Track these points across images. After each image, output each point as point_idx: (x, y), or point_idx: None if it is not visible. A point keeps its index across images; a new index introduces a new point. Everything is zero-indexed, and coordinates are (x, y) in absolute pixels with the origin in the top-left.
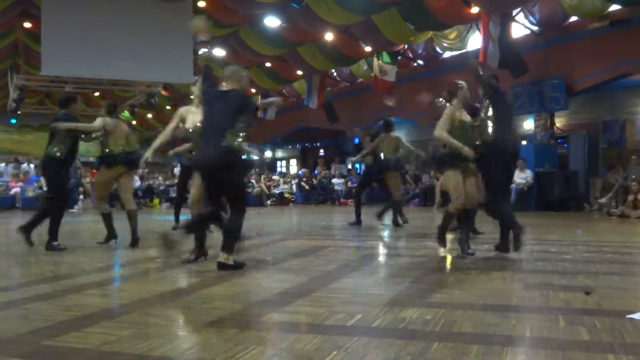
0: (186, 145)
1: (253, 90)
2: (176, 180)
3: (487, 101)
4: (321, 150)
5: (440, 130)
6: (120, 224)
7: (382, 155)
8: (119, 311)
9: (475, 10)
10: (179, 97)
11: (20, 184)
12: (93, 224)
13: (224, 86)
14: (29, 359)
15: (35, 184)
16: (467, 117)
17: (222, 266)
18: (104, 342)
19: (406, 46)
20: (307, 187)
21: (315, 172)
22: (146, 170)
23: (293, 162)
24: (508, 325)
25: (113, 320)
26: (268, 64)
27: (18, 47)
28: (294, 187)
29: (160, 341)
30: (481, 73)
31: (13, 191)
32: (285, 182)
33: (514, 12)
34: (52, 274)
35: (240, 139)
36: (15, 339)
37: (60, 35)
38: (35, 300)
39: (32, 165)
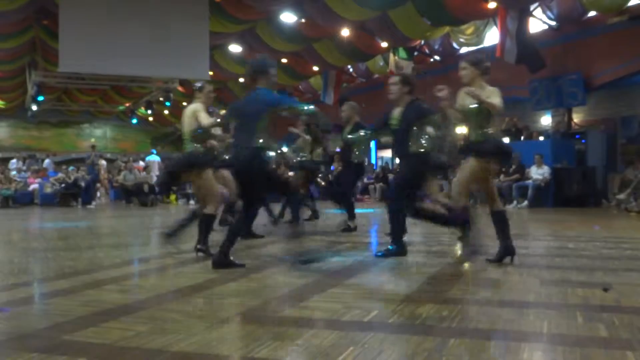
0: None
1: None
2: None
3: None
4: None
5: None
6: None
7: None
8: (136, 307)
9: (492, 5)
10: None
11: (39, 180)
12: (110, 219)
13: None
14: (48, 354)
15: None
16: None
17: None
18: (122, 338)
19: (422, 42)
20: (322, 182)
21: (332, 167)
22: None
23: None
24: (525, 322)
25: (131, 315)
26: (284, 60)
27: (36, 44)
28: None
29: (178, 336)
30: None
31: (32, 187)
32: None
33: (532, 7)
34: (71, 270)
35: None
36: (34, 334)
37: (78, 32)
38: (54, 296)
39: (48, 161)
